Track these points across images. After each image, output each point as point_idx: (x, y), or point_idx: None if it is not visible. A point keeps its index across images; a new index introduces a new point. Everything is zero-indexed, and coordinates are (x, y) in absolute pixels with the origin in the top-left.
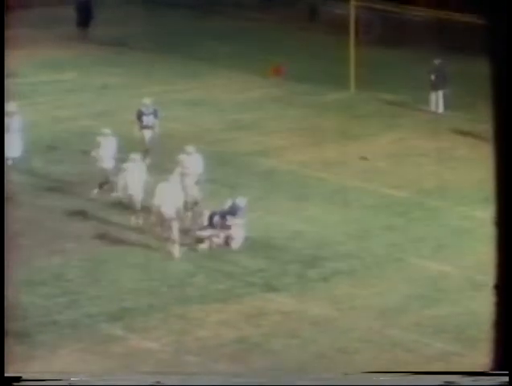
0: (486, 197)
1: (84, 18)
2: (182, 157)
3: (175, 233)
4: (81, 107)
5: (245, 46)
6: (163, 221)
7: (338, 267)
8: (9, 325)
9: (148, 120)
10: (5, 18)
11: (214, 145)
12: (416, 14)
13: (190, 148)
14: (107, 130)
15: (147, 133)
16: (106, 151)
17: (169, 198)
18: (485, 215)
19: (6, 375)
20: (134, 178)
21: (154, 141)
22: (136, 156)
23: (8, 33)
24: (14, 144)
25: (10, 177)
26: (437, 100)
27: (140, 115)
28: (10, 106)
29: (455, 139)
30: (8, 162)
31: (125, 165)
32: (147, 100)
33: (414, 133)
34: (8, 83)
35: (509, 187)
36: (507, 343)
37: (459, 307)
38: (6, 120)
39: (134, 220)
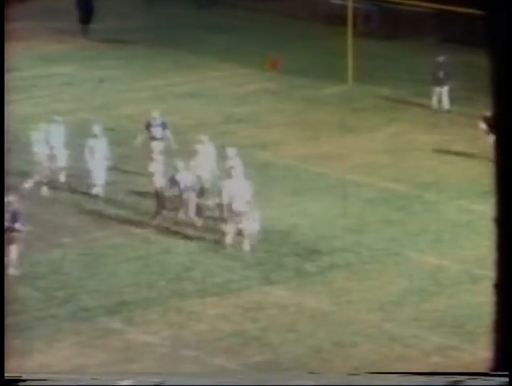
0: (484, 191)
1: (86, 15)
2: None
3: (246, 227)
4: (79, 100)
5: (242, 38)
6: (232, 217)
7: (336, 261)
8: (7, 319)
9: (156, 131)
10: (5, 11)
11: (211, 138)
12: (415, 6)
13: (231, 150)
14: (204, 137)
15: (156, 145)
16: (205, 159)
17: (238, 194)
18: (483, 208)
19: (6, 375)
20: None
21: (165, 152)
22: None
23: (7, 25)
24: (100, 171)
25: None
26: (440, 96)
27: (148, 126)
28: (95, 128)
29: (453, 133)
30: (98, 191)
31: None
32: (156, 113)
33: (413, 126)
34: (6, 76)
35: (510, 187)
36: (507, 343)
37: (457, 301)
38: (91, 142)
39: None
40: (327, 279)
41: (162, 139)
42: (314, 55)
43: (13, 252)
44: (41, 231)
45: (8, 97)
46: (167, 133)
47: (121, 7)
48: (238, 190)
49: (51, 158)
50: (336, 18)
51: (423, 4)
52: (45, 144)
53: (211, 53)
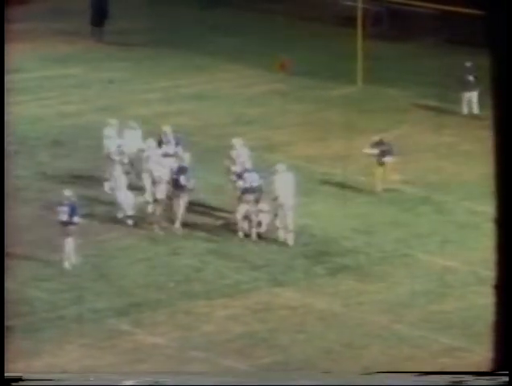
0: (492, 192)
1: (100, 17)
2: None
3: (290, 221)
4: (87, 102)
5: (251, 40)
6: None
7: (344, 262)
8: (15, 320)
9: (169, 148)
10: (12, 12)
11: (220, 139)
12: (425, 7)
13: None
14: (239, 140)
15: (168, 161)
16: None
17: (289, 188)
18: (491, 209)
19: (6, 375)
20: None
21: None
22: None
23: (14, 27)
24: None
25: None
26: (470, 102)
27: (160, 143)
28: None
29: (461, 134)
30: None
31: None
32: (167, 128)
33: (421, 128)
34: (14, 77)
35: (510, 187)
36: (507, 343)
37: (465, 302)
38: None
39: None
40: (336, 280)
41: (174, 156)
42: (323, 57)
43: (69, 244)
44: (49, 232)
45: (15, 98)
46: (180, 149)
47: (129, 9)
48: (285, 185)
49: (122, 160)
50: (346, 20)
51: (432, 6)
52: (116, 143)
53: (220, 54)
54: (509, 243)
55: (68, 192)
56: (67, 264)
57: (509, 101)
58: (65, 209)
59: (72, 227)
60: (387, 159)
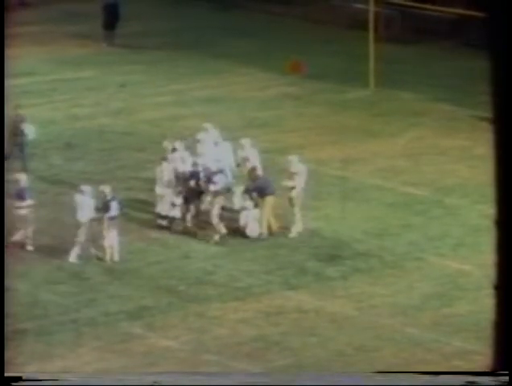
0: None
1: (111, 21)
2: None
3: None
4: (100, 105)
5: (264, 43)
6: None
7: (357, 265)
8: (28, 323)
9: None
10: (25, 15)
11: (233, 142)
12: (437, 10)
13: (245, 141)
14: (247, 141)
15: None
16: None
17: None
18: None
19: (6, 375)
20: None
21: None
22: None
23: (27, 30)
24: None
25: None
26: None
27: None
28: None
29: (474, 137)
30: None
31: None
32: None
33: (434, 131)
34: (27, 80)
35: (510, 188)
36: (507, 343)
37: (478, 305)
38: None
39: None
40: (348, 283)
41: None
42: (336, 60)
43: (116, 237)
44: (62, 235)
45: (28, 101)
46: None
47: (141, 12)
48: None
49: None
50: (358, 23)
51: (445, 9)
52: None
53: (233, 57)
54: (509, 244)
55: (106, 188)
56: (112, 258)
57: (509, 101)
58: (116, 203)
59: (116, 221)
60: (268, 199)
